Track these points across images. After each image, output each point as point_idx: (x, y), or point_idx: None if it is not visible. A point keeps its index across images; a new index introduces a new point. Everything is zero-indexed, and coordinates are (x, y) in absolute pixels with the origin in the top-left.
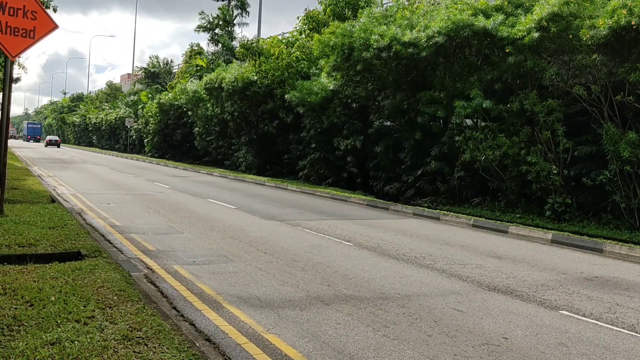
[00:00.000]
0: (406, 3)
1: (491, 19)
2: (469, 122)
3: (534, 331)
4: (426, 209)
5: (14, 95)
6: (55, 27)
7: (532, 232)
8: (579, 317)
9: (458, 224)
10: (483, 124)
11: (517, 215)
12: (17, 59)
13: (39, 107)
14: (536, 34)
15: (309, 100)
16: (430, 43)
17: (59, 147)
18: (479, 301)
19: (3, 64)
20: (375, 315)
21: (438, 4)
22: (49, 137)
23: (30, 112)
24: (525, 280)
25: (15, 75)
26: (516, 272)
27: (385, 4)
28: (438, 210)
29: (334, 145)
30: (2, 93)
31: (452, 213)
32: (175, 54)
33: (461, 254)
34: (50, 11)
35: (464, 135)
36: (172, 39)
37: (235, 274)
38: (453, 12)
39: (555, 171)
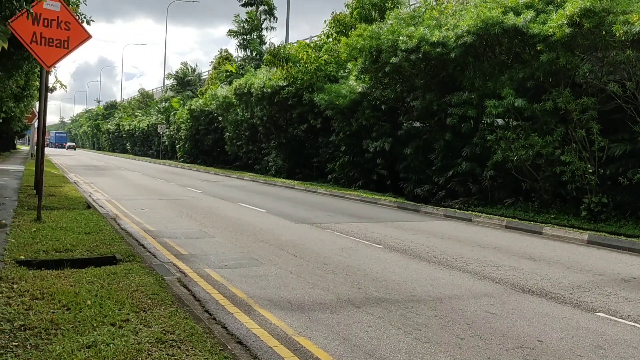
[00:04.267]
0: (434, 3)
1: (521, 16)
2: (500, 121)
3: (569, 334)
4: (457, 211)
5: (49, 104)
6: (89, 37)
7: (568, 232)
8: (616, 319)
9: (490, 225)
10: (515, 123)
11: (552, 216)
12: (52, 69)
13: (74, 115)
14: (568, 30)
15: (337, 103)
16: (460, 42)
17: (75, 149)
18: (513, 303)
19: (39, 74)
20: (406, 318)
21: (467, 3)
22: (68, 144)
23: (66, 120)
24: (561, 282)
25: (50, 85)
26: (551, 274)
27: (412, 4)
28: (470, 212)
29: (363, 148)
30: (38, 102)
31: (484, 214)
32: (199, 59)
33: (494, 256)
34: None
35: (496, 135)
36: (196, 44)
37: (266, 277)
38: (482, 11)
39: (590, 170)
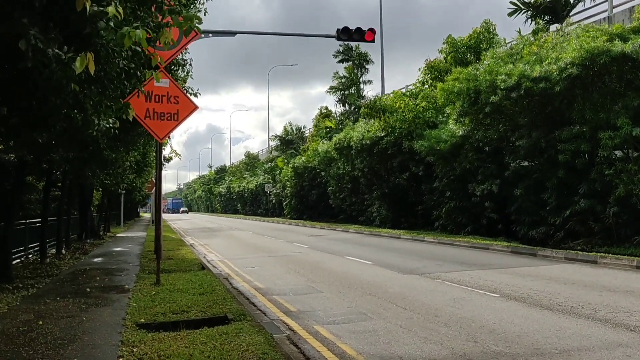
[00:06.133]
0: (532, 39)
1: (629, 42)
2: (618, 153)
3: None
4: (580, 252)
5: (166, 172)
6: (196, 108)
7: None
8: None
9: (619, 266)
10: (636, 154)
11: None
12: (165, 140)
13: (189, 181)
14: None
15: (438, 148)
16: (564, 75)
17: (187, 213)
18: None
19: (155, 146)
20: None
21: (567, 34)
22: (181, 209)
23: (182, 186)
24: None
25: (166, 155)
26: None
27: (509, 42)
28: (594, 253)
29: (469, 192)
30: (155, 171)
31: (610, 255)
32: (298, 118)
33: (626, 301)
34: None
35: (615, 168)
36: (294, 105)
37: (376, 332)
38: (585, 41)
39: None
